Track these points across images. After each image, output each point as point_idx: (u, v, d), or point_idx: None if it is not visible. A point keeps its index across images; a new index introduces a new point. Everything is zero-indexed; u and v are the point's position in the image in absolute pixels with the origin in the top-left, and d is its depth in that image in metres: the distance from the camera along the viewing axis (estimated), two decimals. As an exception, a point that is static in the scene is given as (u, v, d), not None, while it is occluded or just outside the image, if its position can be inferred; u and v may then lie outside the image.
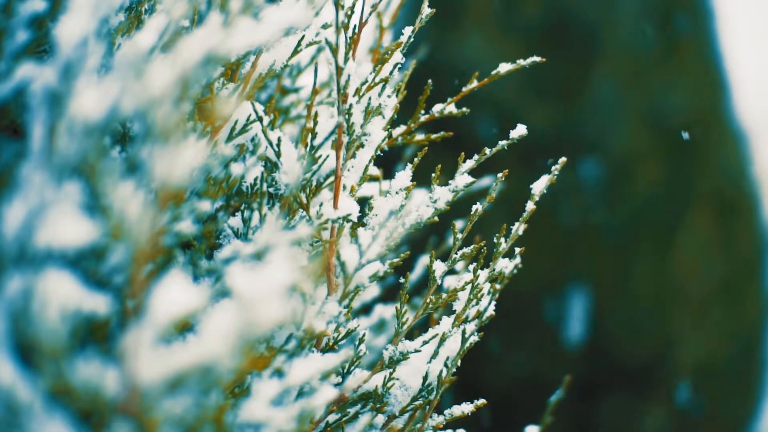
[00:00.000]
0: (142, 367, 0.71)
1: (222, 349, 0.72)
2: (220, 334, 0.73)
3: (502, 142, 1.05)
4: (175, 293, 0.73)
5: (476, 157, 1.05)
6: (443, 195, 1.05)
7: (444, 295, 1.11)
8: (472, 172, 1.52)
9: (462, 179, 1.05)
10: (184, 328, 0.89)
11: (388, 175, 1.18)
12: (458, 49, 3.22)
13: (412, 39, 1.04)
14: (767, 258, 3.53)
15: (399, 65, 1.04)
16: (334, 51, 1.00)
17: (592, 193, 3.23)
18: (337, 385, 1.06)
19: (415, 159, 1.08)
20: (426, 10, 1.05)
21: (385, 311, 1.40)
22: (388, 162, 1.49)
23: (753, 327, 3.48)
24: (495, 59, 3.17)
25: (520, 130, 1.05)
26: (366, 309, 1.48)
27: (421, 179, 1.16)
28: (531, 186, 1.11)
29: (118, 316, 0.78)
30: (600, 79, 3.26)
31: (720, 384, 3.38)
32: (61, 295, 0.72)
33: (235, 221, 1.04)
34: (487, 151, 1.05)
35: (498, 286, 1.08)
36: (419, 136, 1.19)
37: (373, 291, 1.43)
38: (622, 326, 3.22)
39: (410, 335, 1.24)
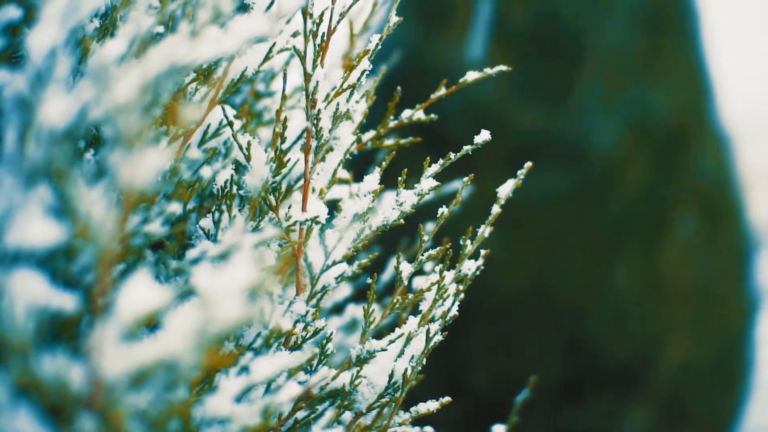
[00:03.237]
0: (106, 363, 0.75)
1: (184, 346, 0.75)
2: (182, 331, 0.76)
3: (466, 147, 1.08)
4: (140, 292, 0.76)
5: (441, 161, 1.08)
6: (409, 198, 1.08)
7: (410, 296, 1.14)
8: (453, 175, 1.55)
9: (427, 183, 1.08)
10: (151, 325, 0.92)
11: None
12: (446, 51, 3.25)
13: (379, 47, 1.07)
14: (751, 260, 3.56)
15: (366, 72, 1.07)
16: (302, 59, 1.03)
17: (577, 194, 3.26)
18: (303, 382, 1.09)
19: (384, 163, 1.11)
20: (393, 19, 1.09)
21: (356, 311, 1.43)
22: (364, 165, 1.52)
23: (737, 328, 3.51)
24: (483, 63, 3.20)
25: (483, 136, 1.08)
26: (338, 309, 1.51)
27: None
28: (497, 190, 1.14)
29: (87, 314, 0.81)
30: (585, 82, 3.30)
31: (703, 384, 3.42)
32: (30, 293, 0.75)
33: (207, 223, 1.07)
34: (452, 155, 1.08)
35: (461, 287, 1.11)
36: (388, 141, 1.22)
37: (345, 291, 1.46)
38: (606, 327, 3.25)
39: (380, 335, 1.27)
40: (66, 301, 0.77)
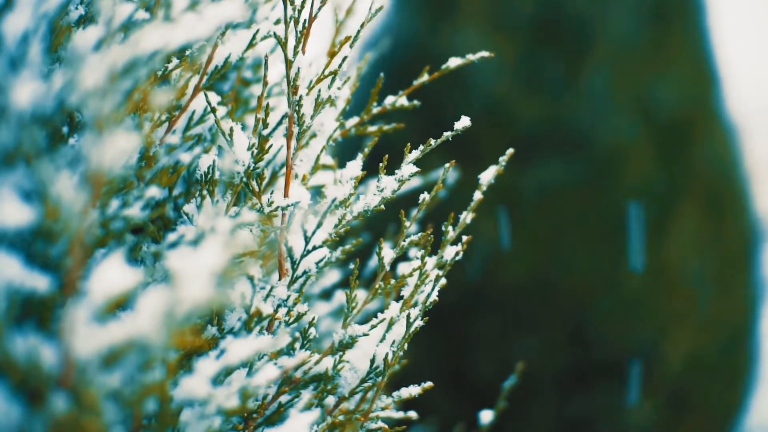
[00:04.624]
0: (78, 343, 0.76)
1: (154, 327, 0.76)
2: (154, 312, 0.77)
3: (447, 134, 1.09)
4: (114, 274, 0.77)
5: (422, 147, 1.09)
6: (390, 184, 1.09)
7: (393, 281, 1.15)
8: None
9: (407, 169, 1.09)
10: (124, 307, 0.93)
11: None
12: (451, 40, 3.25)
13: (360, 33, 1.08)
14: (757, 251, 3.55)
15: (347, 58, 1.08)
16: (283, 45, 1.04)
17: (583, 184, 3.26)
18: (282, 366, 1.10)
19: (366, 149, 1.12)
20: (376, 4, 1.09)
21: (344, 297, 1.44)
22: (353, 151, 1.53)
23: (741, 320, 3.50)
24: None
25: (463, 122, 1.09)
26: (327, 294, 1.52)
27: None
28: (479, 176, 1.15)
29: (60, 295, 0.82)
30: (591, 72, 3.29)
31: (708, 377, 3.41)
32: (3, 274, 0.76)
33: (190, 208, 1.08)
34: (432, 141, 1.09)
35: (441, 273, 1.12)
36: (373, 128, 1.23)
37: (334, 277, 1.47)
38: (611, 318, 3.25)
39: (367, 320, 1.28)
40: (39, 283, 0.79)
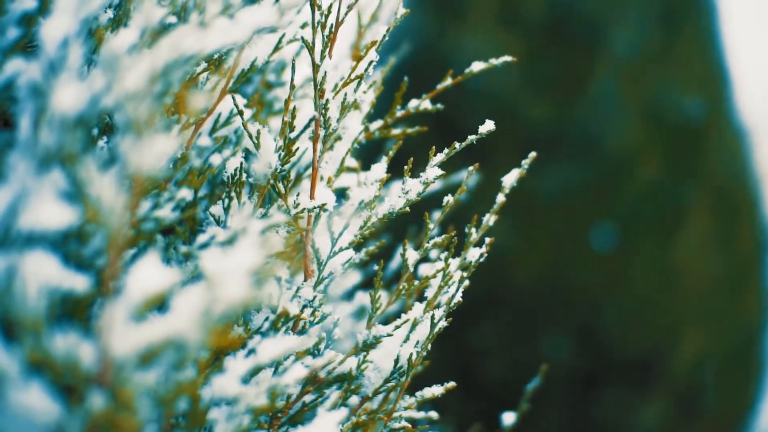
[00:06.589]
0: (115, 342, 0.77)
1: (190, 326, 0.78)
2: (189, 312, 0.78)
3: (471, 137, 1.10)
4: (149, 274, 0.79)
5: (446, 150, 1.10)
6: (414, 186, 1.10)
7: (416, 282, 1.16)
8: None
9: (432, 171, 1.10)
10: (159, 306, 0.94)
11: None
12: (460, 43, 3.26)
13: (386, 38, 1.09)
14: (767, 254, 3.56)
15: (374, 63, 1.09)
16: (311, 49, 1.06)
17: (593, 187, 3.27)
18: (311, 366, 1.12)
19: (390, 152, 1.13)
20: (401, 10, 1.11)
21: (365, 298, 1.46)
22: (375, 154, 1.54)
23: (752, 322, 3.51)
24: (496, 53, 3.22)
25: (488, 126, 1.10)
26: (348, 296, 1.53)
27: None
28: (501, 179, 1.16)
29: (98, 294, 0.84)
30: (601, 74, 3.30)
31: (719, 379, 3.42)
32: (42, 274, 0.78)
33: (217, 209, 1.10)
34: (457, 144, 1.10)
35: (465, 274, 1.13)
36: (396, 131, 1.24)
37: (355, 278, 1.49)
38: (622, 320, 3.26)
39: (388, 321, 1.30)
40: (77, 282, 0.80)
